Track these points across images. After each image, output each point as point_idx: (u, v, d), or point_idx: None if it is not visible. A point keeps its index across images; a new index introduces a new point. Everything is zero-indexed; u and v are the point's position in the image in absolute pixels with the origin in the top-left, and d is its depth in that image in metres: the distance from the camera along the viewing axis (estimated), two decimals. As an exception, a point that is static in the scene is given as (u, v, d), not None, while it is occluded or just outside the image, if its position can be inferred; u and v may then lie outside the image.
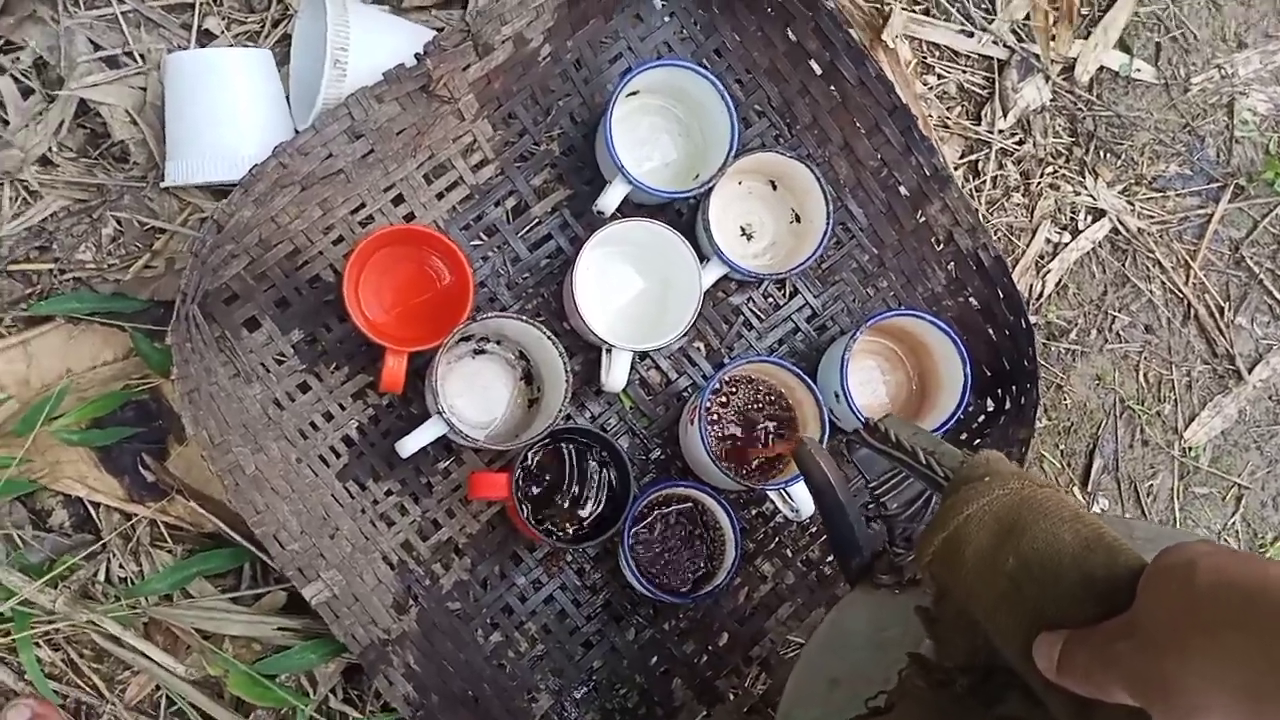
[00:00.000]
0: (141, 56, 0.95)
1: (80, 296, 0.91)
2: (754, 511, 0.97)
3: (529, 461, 0.88)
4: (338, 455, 0.89)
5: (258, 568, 0.90)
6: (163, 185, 0.91)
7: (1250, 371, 1.12)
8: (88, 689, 0.86)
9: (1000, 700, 0.52)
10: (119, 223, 0.94)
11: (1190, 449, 1.10)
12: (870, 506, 0.71)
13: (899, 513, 0.67)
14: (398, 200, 0.91)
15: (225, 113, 0.87)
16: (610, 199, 0.91)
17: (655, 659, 0.94)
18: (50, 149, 0.94)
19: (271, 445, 0.85)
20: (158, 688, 0.87)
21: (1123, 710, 0.44)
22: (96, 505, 0.88)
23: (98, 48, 0.95)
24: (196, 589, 0.88)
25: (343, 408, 0.89)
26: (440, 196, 0.93)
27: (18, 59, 0.95)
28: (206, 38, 0.96)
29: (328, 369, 0.89)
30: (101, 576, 0.87)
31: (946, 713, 0.54)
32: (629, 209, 0.96)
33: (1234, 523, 1.09)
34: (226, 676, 0.85)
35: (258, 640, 0.87)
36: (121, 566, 0.87)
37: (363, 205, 0.90)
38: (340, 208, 0.89)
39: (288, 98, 0.93)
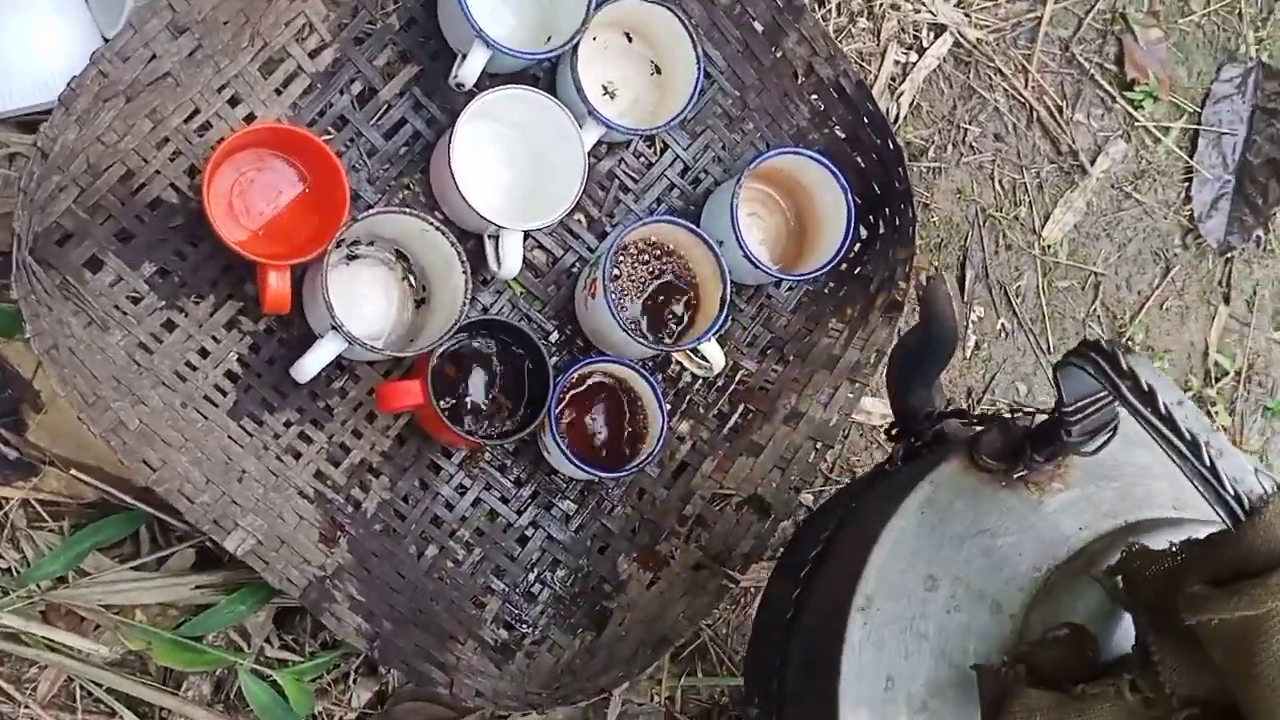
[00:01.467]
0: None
1: (-125, 264, 0.78)
2: (659, 377, 0.95)
3: (438, 362, 0.82)
4: (224, 393, 0.81)
5: (155, 529, 0.82)
6: (-49, 121, 0.79)
7: (1093, 164, 1.17)
8: (-8, 694, 0.77)
9: None
10: (-100, 173, 0.81)
11: (1049, 246, 1.15)
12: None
13: (1079, 441, 0.59)
14: (234, 101, 0.82)
15: (22, 27, 0.75)
16: (470, 69, 0.84)
17: (592, 539, 0.92)
18: None
19: (150, 394, 0.77)
20: (70, 679, 0.79)
21: None
22: (-44, 495, 0.78)
23: None
24: (92, 564, 0.80)
25: (217, 340, 0.81)
26: (279, 91, 0.84)
27: None
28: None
29: (191, 301, 0.80)
30: (-19, 571, 0.77)
31: None
32: (483, 80, 0.89)
33: (1095, 309, 1.16)
34: (150, 649, 0.78)
35: (173, 605, 0.80)
36: (2, 557, 0.78)
37: (197, 111, 0.80)
38: (172, 117, 0.79)
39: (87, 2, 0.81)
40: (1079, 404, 0.56)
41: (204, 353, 0.81)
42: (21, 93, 0.75)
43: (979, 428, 0.71)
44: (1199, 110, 1.21)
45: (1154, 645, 0.50)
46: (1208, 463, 0.47)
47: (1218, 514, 0.48)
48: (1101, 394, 0.56)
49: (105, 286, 0.78)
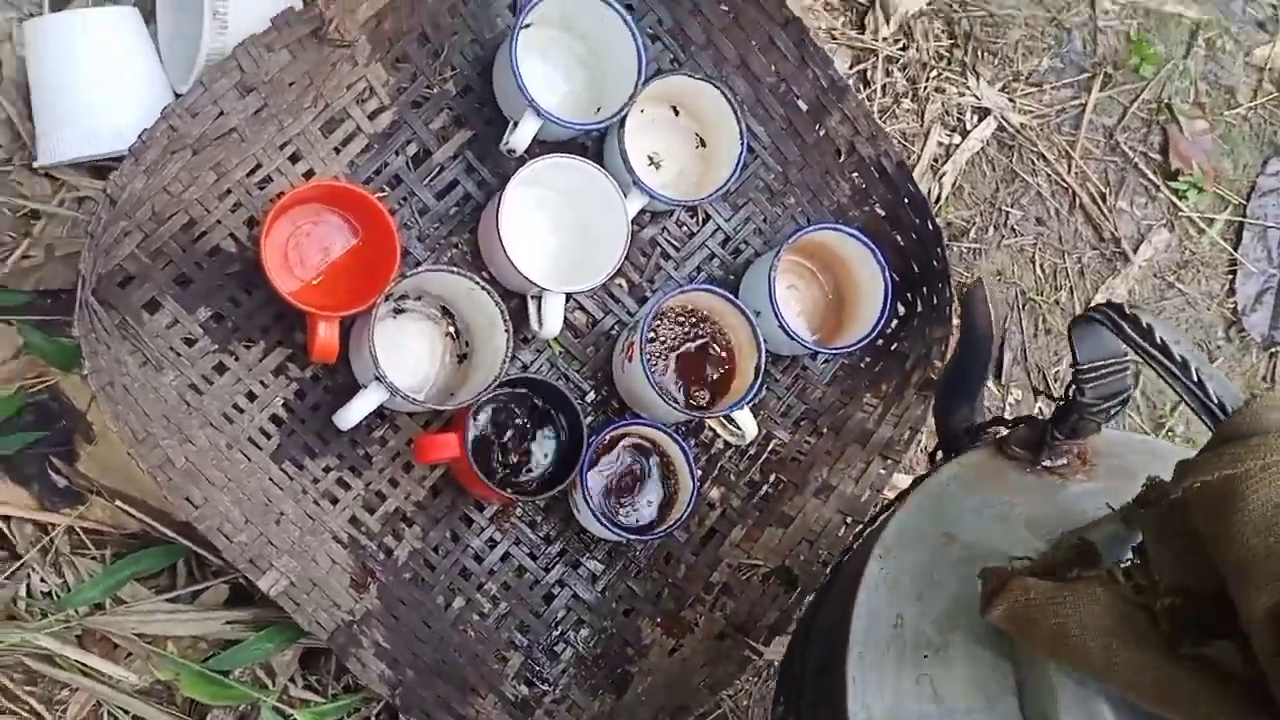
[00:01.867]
0: (-18, 27, 0.86)
1: (-49, 296, 0.82)
2: (691, 442, 0.97)
3: (478, 417, 0.85)
4: (268, 436, 0.83)
5: (193, 563, 0.84)
6: (35, 165, 0.83)
7: (1135, 252, 1.17)
8: (25, 713, 0.79)
9: (1200, 639, 0.50)
10: (-16, 211, 0.86)
11: (1088, 332, 1.15)
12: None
13: (1092, 404, 0.63)
14: (295, 158, 0.86)
15: (97, 79, 0.79)
16: (521, 136, 0.88)
17: (618, 601, 0.93)
18: (-108, 137, 0.84)
19: (198, 433, 0.79)
20: (99, 704, 0.81)
21: None
22: (7, 519, 0.81)
23: (-71, 20, 0.85)
24: (129, 593, 0.82)
25: (265, 385, 0.84)
26: (338, 150, 0.87)
27: None
28: (61, 0, 0.87)
29: (242, 346, 0.84)
30: (23, 593, 0.80)
31: (1133, 622, 0.52)
32: (533, 148, 0.93)
33: (1135, 397, 1.15)
34: (177, 680, 0.80)
35: (204, 639, 0.82)
36: (44, 580, 0.80)
37: (259, 166, 0.84)
38: (236, 170, 0.83)
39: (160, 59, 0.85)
40: (1092, 364, 0.61)
41: (251, 396, 0.83)
42: (97, 141, 0.79)
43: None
44: (1244, 203, 1.22)
45: (1151, 543, 0.54)
46: (1195, 379, 0.54)
47: (1204, 422, 0.54)
48: (1113, 357, 0.61)
49: (162, 328, 0.81)
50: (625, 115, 0.90)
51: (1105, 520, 0.60)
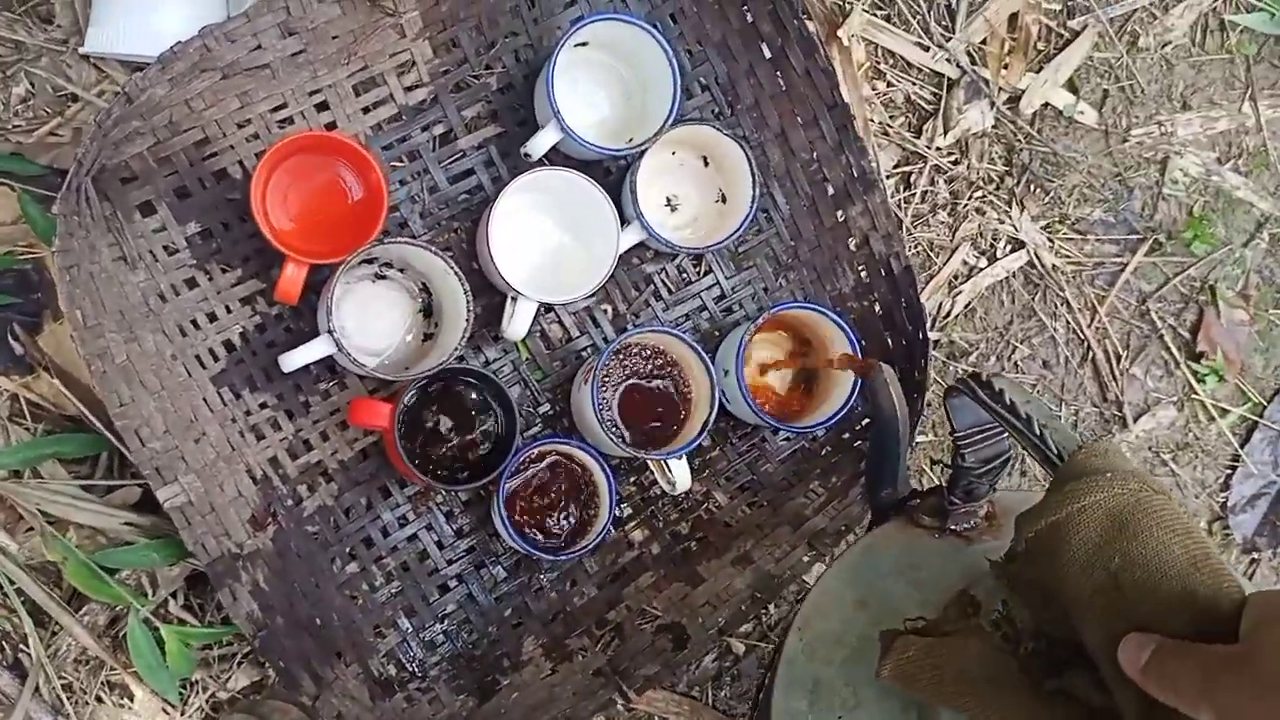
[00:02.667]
0: (78, -87, 0.91)
1: (-27, 150, 0.86)
2: (633, 479, 0.97)
3: (415, 395, 0.86)
4: (216, 358, 0.86)
5: (115, 459, 0.87)
6: (81, 52, 0.87)
7: (1135, 420, 1.15)
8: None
9: (1059, 674, 0.55)
10: (32, 84, 0.90)
11: (1065, 487, 1.13)
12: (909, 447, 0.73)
13: (974, 468, 0.68)
14: (322, 106, 0.88)
15: (155, -15, 0.83)
16: (540, 143, 0.89)
17: (510, 611, 0.93)
18: (-32, -5, 0.89)
19: (147, 337, 0.82)
20: (-10, 567, 0.84)
21: None
22: (-46, 368, 0.84)
23: (33, -104, 0.91)
24: (48, 471, 0.85)
25: (229, 310, 0.86)
26: (367, 111, 0.90)
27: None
28: (148, -95, 0.92)
29: (219, 268, 0.86)
30: (-52, 442, 0.83)
31: (1003, 664, 0.57)
32: (558, 159, 0.94)
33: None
34: (64, 564, 0.82)
35: (103, 533, 0.85)
36: (-28, 435, 0.83)
37: (284, 105, 0.87)
38: (260, 103, 0.86)
39: (225, -16, 0.89)
40: (968, 431, 0.67)
41: (212, 317, 0.86)
42: (131, 39, 0.83)
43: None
44: (1264, 404, 1.18)
45: (1009, 594, 0.59)
46: (1037, 433, 0.60)
47: (1046, 472, 0.60)
48: (987, 424, 0.66)
49: (148, 230, 0.84)
50: (645, 151, 0.91)
51: (986, 575, 0.64)
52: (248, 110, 0.85)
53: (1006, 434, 0.67)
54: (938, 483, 0.74)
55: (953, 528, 0.72)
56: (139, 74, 0.77)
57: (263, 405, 0.87)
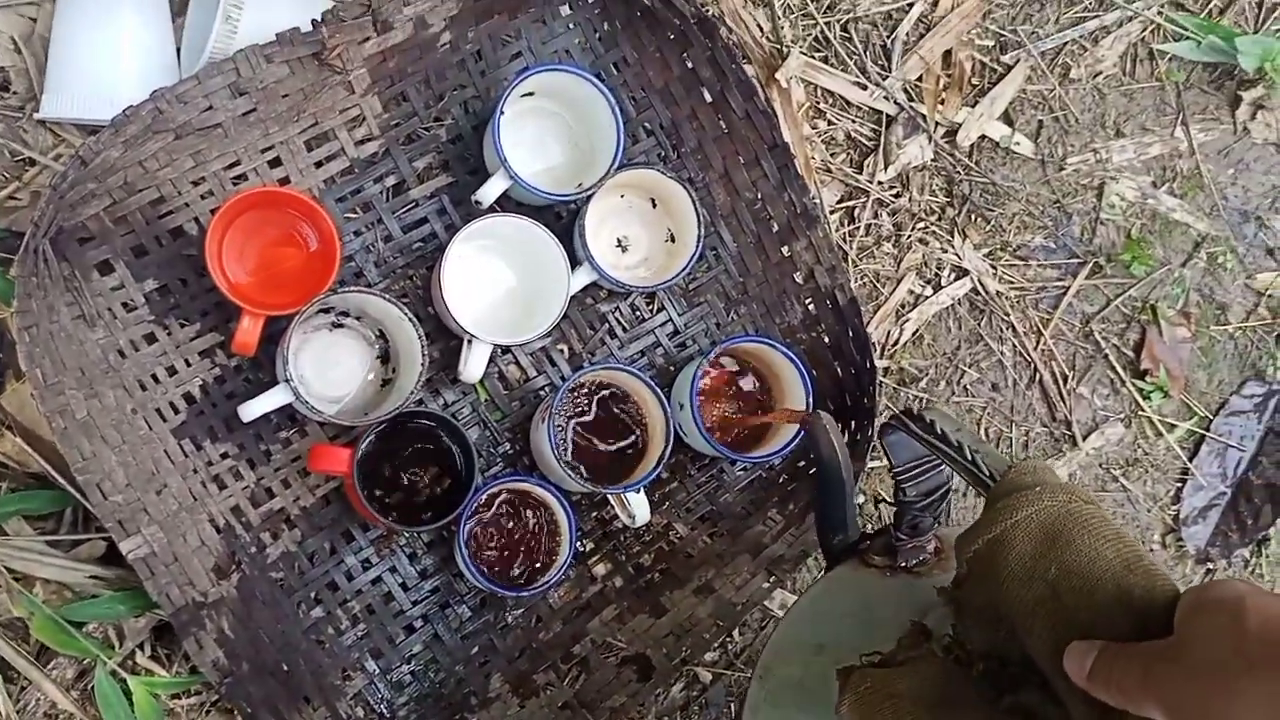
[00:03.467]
0: (34, -15, 0.93)
1: (-68, 217, 0.88)
2: (594, 514, 0.99)
3: (374, 440, 0.88)
4: (176, 411, 0.87)
5: (79, 514, 0.88)
6: (37, 117, 0.90)
7: (1085, 439, 1.17)
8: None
9: (1013, 691, 0.56)
10: (-13, 149, 0.92)
11: (1020, 506, 1.15)
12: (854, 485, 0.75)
13: (915, 501, 0.70)
14: (275, 163, 0.91)
15: (108, 51, 0.86)
16: (490, 191, 0.92)
17: (476, 649, 0.94)
18: (-75, 65, 0.92)
19: (108, 393, 0.84)
20: (-44, 626, 0.85)
21: None
22: (-82, 432, 0.86)
23: (-11, -30, 0.93)
24: (14, 528, 0.86)
25: (188, 364, 0.88)
26: (319, 165, 0.93)
27: (-98, -29, 0.92)
28: (102, -25, 0.95)
29: (177, 323, 0.88)
30: (-88, 504, 0.84)
31: (958, 685, 0.58)
32: (510, 206, 0.97)
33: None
34: (31, 619, 0.83)
35: (69, 587, 0.86)
36: (-66, 497, 0.85)
37: (238, 163, 0.89)
38: (214, 162, 0.88)
39: (179, 50, 0.92)
40: (906, 466, 0.69)
41: (172, 371, 0.88)
42: (85, 103, 0.85)
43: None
44: (1210, 417, 1.21)
45: (958, 617, 0.61)
46: (969, 458, 0.62)
47: (980, 494, 0.61)
48: (924, 457, 0.68)
49: (106, 289, 0.86)
50: (591, 196, 0.94)
51: (937, 605, 0.65)
52: (201, 169, 0.88)
53: (944, 466, 0.69)
54: (885, 523, 0.75)
55: (903, 565, 0.73)
56: (93, 138, 0.80)
57: (224, 455, 0.88)
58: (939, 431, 0.64)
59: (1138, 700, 0.48)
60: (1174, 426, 1.21)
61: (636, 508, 0.93)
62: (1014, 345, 1.18)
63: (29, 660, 0.84)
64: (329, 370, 0.92)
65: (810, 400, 0.95)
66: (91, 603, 0.84)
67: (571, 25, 1.00)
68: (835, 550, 0.81)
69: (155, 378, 0.87)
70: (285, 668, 0.87)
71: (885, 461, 0.70)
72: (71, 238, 0.84)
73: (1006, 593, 0.55)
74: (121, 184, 0.85)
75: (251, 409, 0.84)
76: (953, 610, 0.62)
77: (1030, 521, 0.56)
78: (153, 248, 0.87)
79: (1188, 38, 1.23)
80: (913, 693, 0.59)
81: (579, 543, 0.96)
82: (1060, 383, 1.18)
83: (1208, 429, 1.21)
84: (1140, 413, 1.20)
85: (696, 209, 0.96)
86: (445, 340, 0.95)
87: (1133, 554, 0.53)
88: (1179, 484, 1.20)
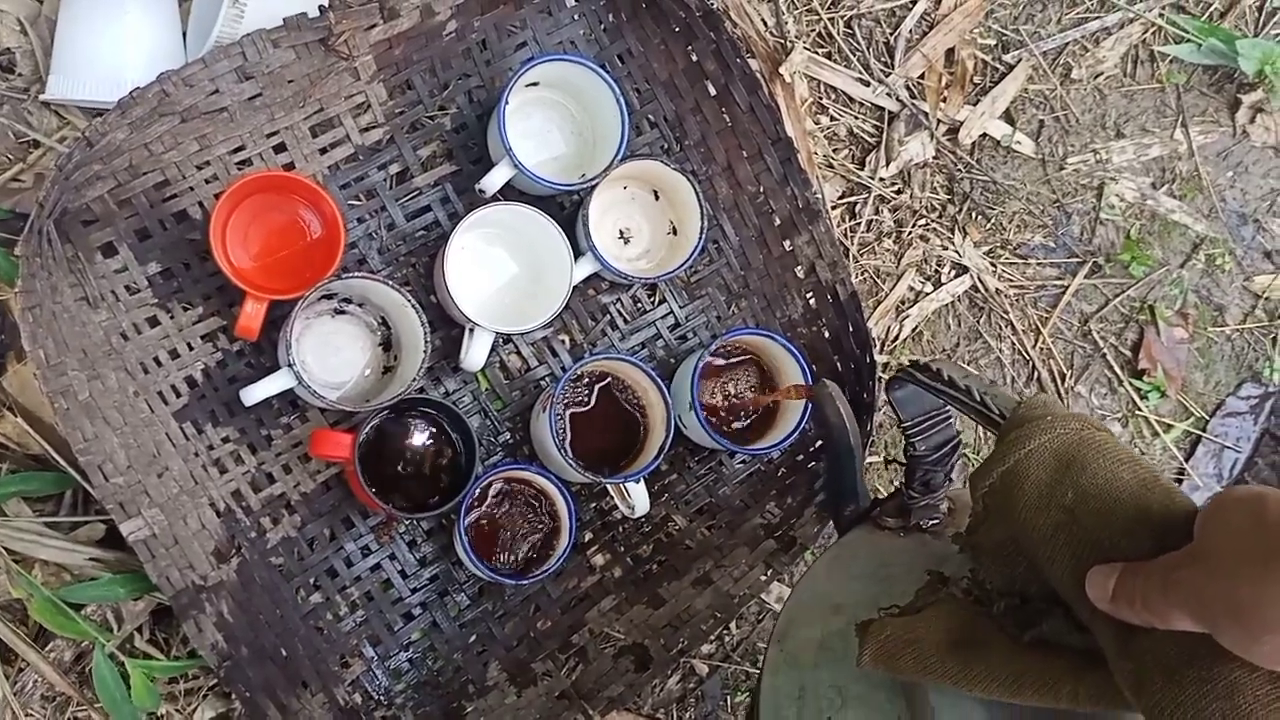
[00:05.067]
0: (41, -32, 0.93)
1: (-65, 197, 0.88)
2: (594, 505, 0.99)
3: (375, 426, 0.88)
4: (178, 394, 0.87)
5: (79, 496, 0.88)
6: (42, 99, 0.90)
7: (1081, 438, 1.18)
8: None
9: (1036, 624, 0.56)
10: (-9, 131, 0.92)
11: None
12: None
13: (926, 455, 0.70)
14: (279, 148, 0.91)
15: (113, 34, 0.86)
16: (494, 179, 0.92)
17: (474, 637, 0.94)
18: (-70, 46, 0.91)
19: (109, 374, 0.84)
20: (-46, 606, 0.85)
21: (1169, 636, 0.48)
22: (-81, 410, 0.86)
23: (-3, -48, 0.93)
24: (13, 510, 0.86)
25: (191, 347, 0.88)
26: (324, 151, 0.93)
27: (-91, -50, 0.92)
28: (111, -41, 0.94)
29: (180, 307, 0.88)
30: (-89, 484, 0.84)
31: (980, 625, 0.58)
32: (514, 195, 0.97)
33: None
34: (30, 601, 0.83)
35: (68, 569, 0.86)
36: (-65, 477, 0.84)
37: (242, 147, 0.89)
38: (219, 146, 0.88)
39: (185, 35, 0.92)
40: (915, 420, 0.69)
41: (174, 354, 0.88)
42: (93, 86, 0.85)
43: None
44: (1206, 418, 1.22)
45: (975, 557, 0.60)
46: (978, 399, 0.62)
47: (991, 434, 0.61)
48: (932, 410, 0.68)
49: (110, 271, 0.86)
50: (595, 185, 0.94)
51: (953, 556, 0.65)
52: (206, 153, 0.88)
53: (953, 420, 0.69)
54: (895, 486, 0.76)
55: (917, 524, 0.73)
56: (99, 119, 0.80)
57: (225, 439, 0.88)
58: (946, 378, 0.64)
59: (1162, 611, 0.47)
60: (1170, 426, 1.21)
61: (636, 498, 0.93)
62: (1013, 343, 1.18)
63: (27, 642, 0.84)
64: (331, 356, 0.92)
65: (809, 377, 0.95)
66: (90, 585, 0.84)
67: (577, 16, 1.00)
68: (847, 520, 0.81)
69: (158, 360, 0.87)
70: (284, 652, 0.87)
71: (895, 417, 0.70)
72: (76, 219, 0.84)
73: (1024, 523, 0.55)
74: (126, 166, 0.85)
75: (253, 393, 0.84)
76: (970, 555, 0.61)
77: (1044, 450, 0.55)
78: (156, 231, 0.87)
79: (1188, 40, 1.24)
80: (934, 636, 0.59)
81: (579, 533, 0.96)
82: (1058, 381, 1.19)
83: (1204, 430, 1.22)
84: (1137, 412, 1.20)
85: (699, 201, 0.96)
86: (447, 328, 0.95)
87: (1149, 474, 0.53)
88: (1176, 483, 1.21)
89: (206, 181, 0.89)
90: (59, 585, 0.85)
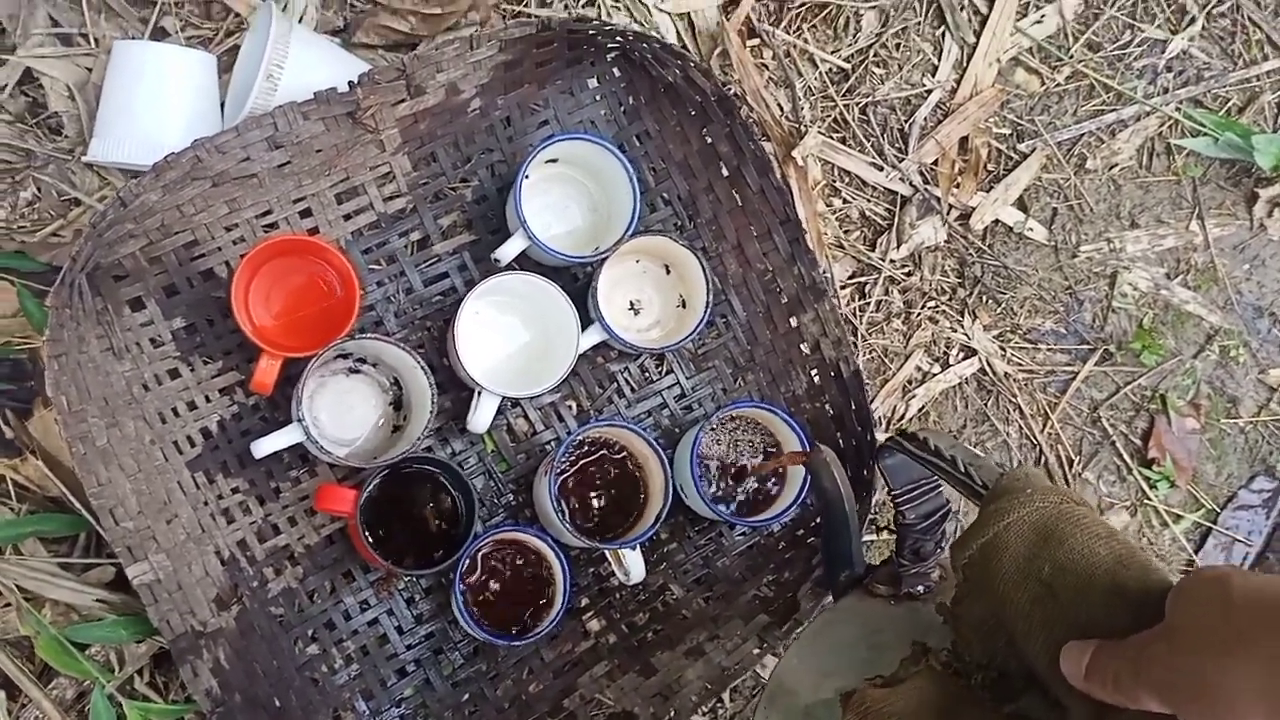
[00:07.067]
0: (96, 40, 0.99)
1: (-20, 249, 0.93)
2: (592, 571, 1.00)
3: (379, 483, 0.91)
4: (193, 444, 0.91)
5: (93, 539, 0.91)
6: (84, 159, 0.95)
7: (1088, 525, 1.17)
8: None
9: (1013, 699, 0.57)
10: (39, 188, 0.98)
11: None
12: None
13: (915, 524, 0.70)
14: (305, 213, 0.95)
15: (155, 102, 0.91)
16: (508, 249, 0.96)
17: (466, 696, 0.96)
18: (-11, 108, 0.97)
19: (128, 423, 0.87)
20: (-35, 641, 0.88)
21: (1141, 716, 0.48)
22: (-51, 450, 0.90)
23: (55, 23, 0.99)
24: (29, 549, 0.89)
25: (208, 400, 0.92)
26: (348, 218, 0.97)
27: (-23, 22, 0.99)
28: (160, 34, 1.00)
29: (201, 360, 0.92)
30: (-65, 520, 0.88)
31: (959, 697, 0.58)
32: (530, 266, 1.01)
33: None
34: (37, 638, 0.86)
35: (76, 609, 0.88)
36: (-42, 514, 0.88)
37: (270, 211, 0.94)
38: (248, 209, 0.93)
39: (223, 104, 0.97)
40: (904, 489, 0.69)
41: (192, 405, 0.91)
42: (132, 149, 0.90)
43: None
44: (1217, 510, 1.21)
45: (956, 629, 0.61)
46: (963, 470, 0.63)
47: (975, 505, 0.61)
48: (921, 479, 0.69)
49: (136, 324, 0.90)
50: (605, 259, 0.98)
51: (938, 626, 0.65)
52: (235, 215, 0.92)
53: (943, 489, 0.70)
54: (887, 554, 0.77)
55: (907, 591, 0.73)
56: (134, 180, 0.84)
57: (235, 490, 0.91)
58: (933, 447, 0.65)
59: (1131, 691, 0.47)
60: (1180, 517, 1.21)
61: (631, 565, 0.94)
62: (1020, 427, 1.19)
63: (31, 679, 0.87)
64: (345, 414, 0.95)
65: (808, 443, 0.97)
66: (95, 625, 0.87)
67: (598, 97, 1.04)
68: (842, 587, 0.81)
69: (175, 411, 0.90)
70: (277, 702, 0.88)
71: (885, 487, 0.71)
72: (107, 274, 0.89)
73: (1003, 596, 0.55)
74: (158, 226, 0.89)
75: (263, 446, 0.87)
76: (952, 625, 0.62)
77: (1023, 523, 0.56)
78: (184, 288, 0.92)
79: (1205, 134, 1.26)
80: (913, 707, 0.59)
81: (576, 598, 0.97)
82: (1066, 466, 1.19)
83: (1215, 522, 1.21)
84: (1146, 501, 1.20)
85: (706, 276, 0.99)
86: (457, 391, 0.98)
87: (1125, 550, 0.53)
88: (1184, 574, 1.20)
89: (234, 243, 0.93)
90: (66, 624, 0.88)
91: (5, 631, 0.87)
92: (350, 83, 0.92)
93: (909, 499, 0.70)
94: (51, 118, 0.97)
